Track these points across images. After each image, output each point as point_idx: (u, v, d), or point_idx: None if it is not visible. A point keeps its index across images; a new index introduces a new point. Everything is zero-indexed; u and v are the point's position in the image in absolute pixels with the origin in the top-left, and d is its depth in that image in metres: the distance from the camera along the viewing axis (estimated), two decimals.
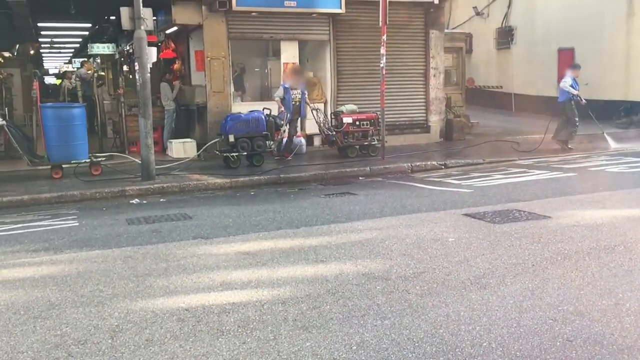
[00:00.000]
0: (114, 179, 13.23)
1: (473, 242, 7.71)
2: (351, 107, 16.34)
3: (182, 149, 16.11)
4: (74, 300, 6.06)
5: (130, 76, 22.62)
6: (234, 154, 14.65)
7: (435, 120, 19.06)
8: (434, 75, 18.93)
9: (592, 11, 23.34)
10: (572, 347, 4.68)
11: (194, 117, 17.79)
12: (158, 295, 6.14)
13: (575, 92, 16.57)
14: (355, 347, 4.80)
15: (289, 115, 15.55)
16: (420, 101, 18.95)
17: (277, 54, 17.76)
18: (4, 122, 13.77)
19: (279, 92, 15.71)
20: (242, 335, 5.09)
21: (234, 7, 16.07)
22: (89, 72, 21.48)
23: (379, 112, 15.82)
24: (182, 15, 16.22)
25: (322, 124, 16.13)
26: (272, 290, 6.19)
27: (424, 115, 19.01)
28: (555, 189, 11.15)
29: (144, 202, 11.67)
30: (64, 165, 13.78)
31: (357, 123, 15.86)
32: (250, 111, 15.26)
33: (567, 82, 16.74)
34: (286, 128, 15.72)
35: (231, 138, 14.65)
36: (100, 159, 14.22)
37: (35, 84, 16.83)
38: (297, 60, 17.37)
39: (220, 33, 16.45)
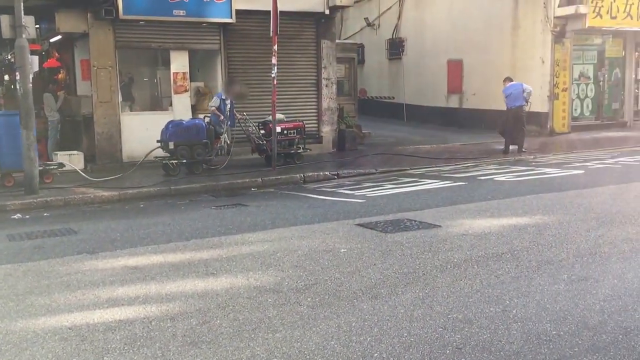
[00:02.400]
0: None
1: (365, 252, 7.74)
2: (279, 116, 16.33)
3: (68, 160, 15.56)
4: None
5: (12, 86, 21.71)
6: (173, 162, 14.49)
7: (328, 131, 19.18)
8: (326, 86, 19.06)
9: (479, 24, 24.08)
10: (462, 355, 4.74)
11: (80, 128, 17.25)
12: (40, 314, 5.89)
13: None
14: None
15: (229, 123, 15.58)
16: (313, 111, 19.02)
17: (166, 63, 17.45)
18: None
19: (214, 102, 15.68)
20: (128, 353, 4.95)
21: (121, 15, 15.69)
22: None
23: (304, 121, 16.27)
24: (66, 23, 15.74)
25: (251, 133, 16.10)
26: (161, 305, 6.04)
27: (317, 125, 19.11)
28: (446, 198, 11.36)
29: (27, 217, 11.20)
30: (14, 174, 13.55)
31: (285, 132, 15.95)
32: (192, 118, 15.37)
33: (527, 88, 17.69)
34: (225, 136, 15.65)
35: (171, 145, 14.50)
36: (52, 167, 14.06)
37: None
38: (187, 70, 17.16)
39: (106, 42, 16.07)
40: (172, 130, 14.66)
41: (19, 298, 6.36)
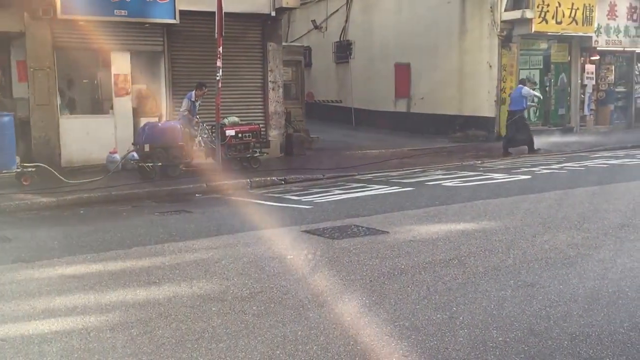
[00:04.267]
0: None
1: (311, 259, 7.66)
2: (233, 119, 16.31)
3: None
4: None
5: None
6: (149, 164, 14.27)
7: (275, 135, 19.01)
8: (273, 89, 18.92)
9: (427, 27, 24.28)
10: None
11: (16, 132, 16.71)
12: None
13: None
14: None
15: (203, 124, 15.54)
16: (259, 115, 18.83)
17: (107, 65, 17.06)
18: None
19: (185, 105, 15.57)
20: None
21: (59, 14, 15.30)
22: None
23: (260, 124, 16.52)
24: (1, 22, 15.25)
25: (205, 138, 15.93)
26: (100, 315, 5.86)
27: (264, 129, 18.90)
28: (394, 204, 11.35)
29: None
30: None
31: (240, 135, 15.85)
32: (167, 121, 15.31)
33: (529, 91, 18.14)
34: (200, 139, 15.54)
35: (147, 147, 14.29)
36: (29, 169, 13.82)
37: None
38: (128, 72, 16.83)
39: (44, 42, 15.64)
40: (148, 133, 14.49)
41: None
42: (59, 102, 16.23)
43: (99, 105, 17.67)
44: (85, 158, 15.69)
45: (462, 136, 22.78)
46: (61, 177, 13.80)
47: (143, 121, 16.34)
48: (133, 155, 15.23)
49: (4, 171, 13.53)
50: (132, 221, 10.58)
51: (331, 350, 4.93)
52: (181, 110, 15.84)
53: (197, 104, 15.78)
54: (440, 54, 23.87)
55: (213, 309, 5.94)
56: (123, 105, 16.84)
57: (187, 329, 5.44)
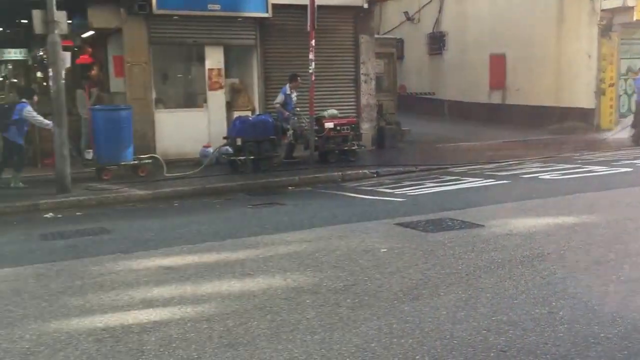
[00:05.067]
0: (25, 193, 12.65)
1: (406, 252, 7.56)
2: (332, 111, 16.40)
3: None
4: None
5: (44, 83, 21.84)
6: (241, 158, 14.54)
7: (367, 128, 18.85)
8: (365, 82, 18.80)
9: (523, 17, 23.61)
10: (506, 358, 4.61)
11: None
12: (73, 315, 5.82)
13: None
14: None
15: (295, 118, 15.63)
16: (351, 108, 18.73)
17: (201, 59, 17.29)
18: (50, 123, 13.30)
19: (279, 99, 15.72)
20: (164, 355, 4.86)
21: (155, 10, 15.64)
22: None
23: (356, 117, 16.44)
24: (99, 18, 15.63)
25: (304, 130, 16.07)
26: (197, 306, 5.93)
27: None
28: (489, 197, 11.12)
29: (59, 216, 11.11)
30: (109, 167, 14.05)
31: (338, 128, 15.93)
32: (258, 114, 15.47)
33: None
34: (291, 132, 15.72)
35: (239, 141, 14.56)
36: (145, 161, 14.44)
37: None
38: (222, 66, 17.01)
39: (140, 37, 15.96)
40: (240, 127, 14.69)
41: (52, 298, 6.29)
42: (154, 96, 16.57)
43: (193, 99, 17.94)
44: (178, 151, 15.95)
45: (558, 128, 22.09)
46: (164, 170, 14.29)
47: (235, 115, 16.51)
48: (227, 149, 15.45)
49: (122, 163, 14.08)
50: (225, 214, 10.70)
51: (427, 344, 4.86)
52: (274, 102, 15.95)
53: (292, 96, 15.85)
54: (536, 44, 23.18)
55: (307, 301, 5.93)
56: (216, 99, 17.04)
57: (281, 321, 5.45)
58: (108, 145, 13.86)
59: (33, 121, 12.92)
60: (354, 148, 16.22)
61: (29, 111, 12.95)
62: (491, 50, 25.24)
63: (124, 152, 14.06)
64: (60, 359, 4.85)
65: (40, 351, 5.02)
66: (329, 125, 15.82)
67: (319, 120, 15.92)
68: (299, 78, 15.98)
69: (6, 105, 13.70)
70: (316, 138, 15.70)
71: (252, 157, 14.64)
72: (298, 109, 16.27)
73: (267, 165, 14.83)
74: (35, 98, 12.87)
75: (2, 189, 13.00)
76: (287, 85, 15.96)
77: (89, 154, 15.27)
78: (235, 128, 14.76)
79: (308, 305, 5.81)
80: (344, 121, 16.17)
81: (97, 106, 15.02)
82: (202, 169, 14.69)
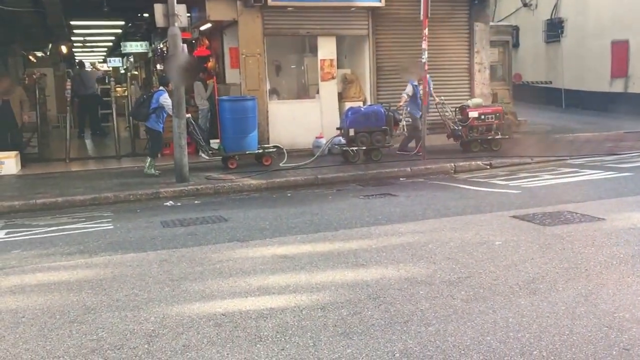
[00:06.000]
0: (146, 182, 13.15)
1: (522, 245, 7.41)
2: (477, 100, 16.51)
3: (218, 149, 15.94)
4: (110, 305, 5.96)
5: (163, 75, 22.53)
6: (354, 149, 14.75)
7: None
8: (479, 71, 18.51)
9: None
10: (629, 356, 4.45)
11: None
12: (194, 300, 6.01)
13: None
14: (398, 355, 4.62)
15: (419, 112, 15.62)
16: (465, 98, 18.35)
17: (313, 50, 17.47)
18: (189, 116, 14.09)
19: (408, 90, 15.78)
20: (280, 342, 4.94)
21: (270, 2, 15.91)
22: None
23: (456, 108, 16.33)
24: (216, 11, 16.02)
25: (447, 118, 16.21)
26: (311, 295, 6.00)
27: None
28: (610, 190, 10.72)
29: (178, 204, 11.51)
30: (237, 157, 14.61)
31: (482, 117, 15.99)
32: (370, 105, 15.63)
33: None
34: (405, 124, 15.75)
35: (351, 132, 14.77)
36: (270, 150, 14.92)
37: (68, 84, 17.01)
38: (334, 57, 17.11)
39: (255, 29, 16.25)
40: (352, 118, 14.82)
41: (174, 283, 6.51)
42: (268, 87, 16.84)
43: (305, 90, 18.14)
44: (291, 142, 16.15)
45: None
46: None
47: (347, 105, 16.60)
48: (340, 140, 15.55)
49: (247, 152, 14.56)
50: (337, 204, 10.74)
51: (545, 339, 4.76)
52: (405, 92, 15.82)
53: (419, 88, 15.61)
54: None
55: (421, 292, 5.91)
56: (329, 89, 17.17)
57: (395, 312, 5.44)
58: (234, 135, 14.36)
59: (167, 108, 13.38)
60: (497, 137, 16.07)
61: (165, 98, 13.43)
62: (613, 36, 24.24)
63: (250, 141, 14.50)
64: (183, 341, 5.01)
65: (165, 333, 5.19)
66: (473, 114, 15.83)
67: (463, 110, 16.01)
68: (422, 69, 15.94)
69: (145, 96, 14.24)
70: (459, 127, 15.87)
71: (364, 148, 14.69)
72: (442, 97, 16.32)
73: (377, 156, 14.84)
74: (170, 86, 13.29)
75: (138, 177, 13.65)
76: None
77: (215, 144, 15.71)
78: (348, 119, 14.83)
79: (422, 297, 5.78)
80: (489, 110, 16.13)
81: (224, 97, 15.43)
82: (315, 159, 14.87)
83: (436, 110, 16.15)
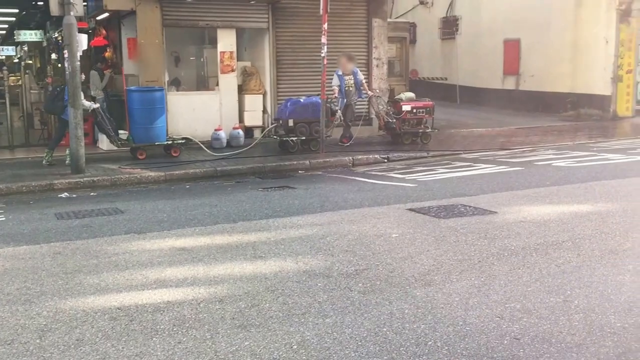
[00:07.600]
0: (40, 173, 12.75)
1: (417, 237, 7.55)
2: (409, 94, 16.69)
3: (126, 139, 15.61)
4: (0, 299, 5.77)
5: (59, 64, 21.85)
6: (293, 138, 14.78)
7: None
8: (377, 66, 18.71)
9: (538, 1, 23.27)
10: (520, 346, 4.59)
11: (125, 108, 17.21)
12: (89, 293, 5.88)
13: None
14: (295, 347, 4.65)
15: (344, 101, 15.76)
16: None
17: (213, 42, 17.30)
18: (97, 106, 13.80)
19: (335, 81, 15.86)
20: (177, 335, 4.90)
21: None
22: None
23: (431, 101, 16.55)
24: (114, 0, 15.66)
25: (381, 111, 16.35)
26: (209, 287, 5.96)
27: (367, 107, 18.77)
28: (502, 184, 11.04)
29: (74, 196, 11.23)
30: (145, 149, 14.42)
31: (415, 111, 16.16)
32: (309, 96, 15.57)
33: None
34: (340, 114, 15.74)
35: (291, 122, 14.86)
36: (178, 141, 14.80)
37: None
38: (234, 49, 17.00)
39: (154, 20, 15.93)
40: (292, 109, 14.91)
41: (68, 276, 6.35)
42: (166, 78, 16.57)
43: (205, 82, 17.97)
44: (190, 134, 15.87)
45: (573, 115, 21.98)
46: (206, 149, 14.78)
47: (247, 98, 16.81)
48: (238, 132, 15.73)
49: (156, 143, 14.44)
50: (237, 196, 10.69)
51: (439, 330, 4.86)
52: (332, 83, 15.91)
53: (345, 78, 15.83)
54: (552, 29, 22.83)
55: (319, 284, 5.95)
56: (228, 82, 17.03)
57: (293, 304, 5.47)
58: (143, 126, 14.24)
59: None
60: (428, 131, 16.35)
61: None
62: (505, 35, 24.96)
63: (158, 132, 14.42)
64: (77, 336, 4.91)
65: (57, 328, 5.08)
66: (406, 107, 16.04)
67: (396, 103, 16.24)
68: (353, 62, 16.27)
69: (58, 89, 13.80)
70: (393, 120, 16.07)
71: (302, 138, 14.92)
72: (377, 90, 16.83)
73: (316, 147, 15.03)
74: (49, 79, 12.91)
75: (32, 168, 13.26)
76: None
77: (103, 136, 15.37)
78: (287, 109, 14.96)
79: (319, 289, 5.82)
80: (420, 104, 16.33)
81: (132, 87, 15.19)
82: (248, 149, 15.11)
83: (364, 102, 16.38)
